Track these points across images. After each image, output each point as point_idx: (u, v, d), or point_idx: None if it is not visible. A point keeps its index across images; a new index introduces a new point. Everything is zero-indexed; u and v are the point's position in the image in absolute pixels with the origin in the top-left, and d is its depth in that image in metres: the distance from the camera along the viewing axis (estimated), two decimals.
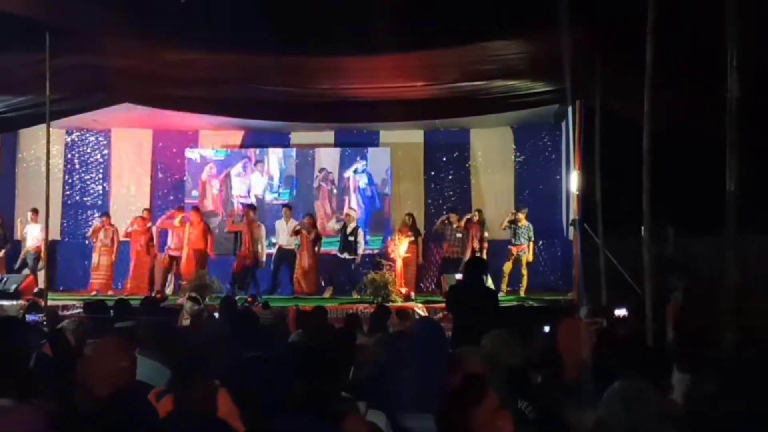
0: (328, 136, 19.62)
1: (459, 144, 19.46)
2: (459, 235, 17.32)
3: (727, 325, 6.69)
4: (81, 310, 12.82)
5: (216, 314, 10.66)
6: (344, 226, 17.59)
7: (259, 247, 16.69)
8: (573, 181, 14.91)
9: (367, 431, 4.41)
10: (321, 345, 5.87)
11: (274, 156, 19.48)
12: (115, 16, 11.54)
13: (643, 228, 9.32)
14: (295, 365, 4.49)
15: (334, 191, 19.21)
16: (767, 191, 10.89)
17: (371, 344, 6.78)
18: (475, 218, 17.49)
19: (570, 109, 15.23)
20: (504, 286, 16.82)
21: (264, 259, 16.96)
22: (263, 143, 19.73)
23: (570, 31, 9.50)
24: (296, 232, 17.35)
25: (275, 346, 6.76)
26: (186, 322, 10.48)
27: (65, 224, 19.72)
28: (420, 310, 14.54)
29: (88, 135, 19.86)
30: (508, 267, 17.08)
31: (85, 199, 19.91)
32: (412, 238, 17.25)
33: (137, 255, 17.47)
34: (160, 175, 19.93)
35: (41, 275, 16.07)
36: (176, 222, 17.27)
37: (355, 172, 19.16)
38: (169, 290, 17.26)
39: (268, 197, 19.27)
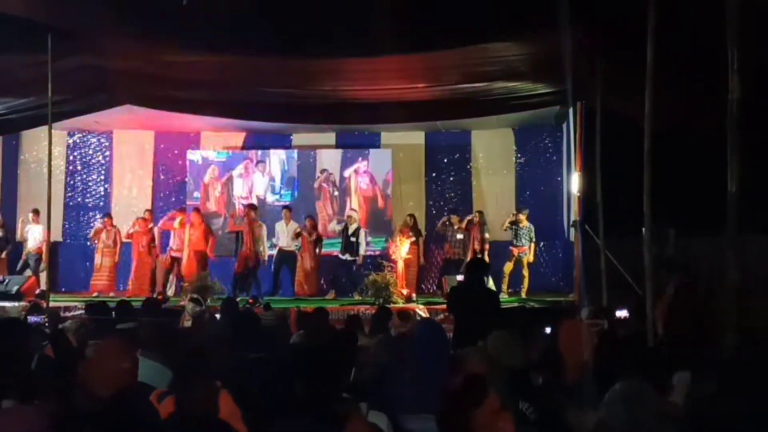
0: (330, 137, 19.63)
1: (460, 145, 19.47)
2: (460, 236, 17.32)
3: (728, 326, 6.70)
4: (83, 311, 12.84)
5: (217, 315, 10.67)
6: (346, 228, 17.59)
7: (261, 246, 16.73)
8: (574, 183, 14.92)
9: None
10: (322, 346, 5.87)
11: (276, 157, 19.49)
12: (117, 17, 11.56)
13: (643, 229, 9.33)
14: (297, 366, 4.50)
15: (336, 192, 19.22)
16: None
17: (372, 345, 6.79)
18: (476, 219, 17.49)
19: (571, 110, 15.25)
20: (505, 287, 16.82)
21: (266, 258, 17.01)
22: (265, 145, 19.74)
23: (571, 33, 9.52)
24: (297, 235, 17.36)
25: (276, 347, 6.77)
26: (187, 323, 10.48)
27: (67, 226, 19.73)
28: (421, 311, 14.53)
29: (89, 136, 19.87)
30: (508, 268, 17.07)
31: (86, 200, 19.93)
32: (414, 240, 17.24)
33: (139, 256, 17.48)
34: (162, 177, 19.94)
35: (43, 276, 16.09)
36: (176, 224, 17.27)
37: (356, 172, 19.15)
38: (170, 291, 17.26)
39: (270, 198, 19.28)
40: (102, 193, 19.92)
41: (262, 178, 19.34)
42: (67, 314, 13.35)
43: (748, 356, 4.50)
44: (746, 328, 6.59)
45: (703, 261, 11.55)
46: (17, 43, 12.31)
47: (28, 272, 17.04)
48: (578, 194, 14.74)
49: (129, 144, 19.90)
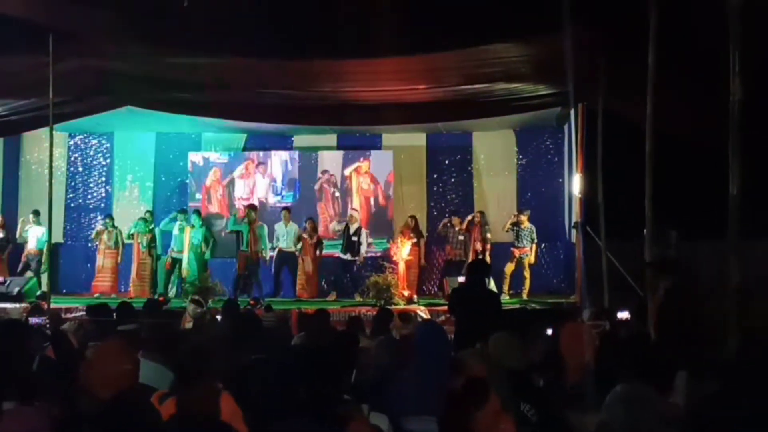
0: (331, 139, 19.63)
1: (461, 147, 19.45)
2: (461, 237, 17.30)
3: (730, 327, 6.69)
4: (84, 312, 12.83)
5: (219, 317, 10.65)
6: (347, 227, 17.60)
7: (262, 245, 16.79)
8: (575, 184, 14.91)
9: None
10: (323, 347, 5.87)
11: (277, 159, 19.48)
12: (118, 19, 11.57)
13: (645, 231, 9.33)
14: (298, 368, 4.50)
15: (337, 194, 19.21)
16: None
17: (374, 347, 6.79)
18: (477, 219, 17.48)
19: (572, 111, 15.24)
20: (506, 289, 16.81)
21: (268, 256, 17.09)
22: (266, 146, 19.73)
23: (572, 34, 9.53)
24: (299, 239, 17.39)
25: (277, 348, 6.76)
26: (189, 324, 10.47)
27: (68, 227, 19.73)
28: (422, 312, 14.52)
29: (90, 138, 19.86)
30: (510, 269, 17.06)
31: (87, 201, 19.92)
32: (415, 241, 17.23)
33: (139, 257, 17.48)
34: (163, 178, 19.92)
35: (44, 278, 16.09)
36: (175, 230, 17.31)
37: (357, 172, 19.14)
38: (171, 293, 17.26)
39: (271, 200, 19.27)
40: (103, 194, 19.92)
41: (263, 180, 19.33)
42: (69, 316, 13.35)
43: (749, 358, 4.49)
44: (748, 330, 6.59)
45: (705, 263, 11.56)
46: (18, 44, 12.31)
47: (29, 273, 17.05)
48: (579, 196, 14.73)
49: (130, 145, 19.90)
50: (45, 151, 15.23)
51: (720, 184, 7.15)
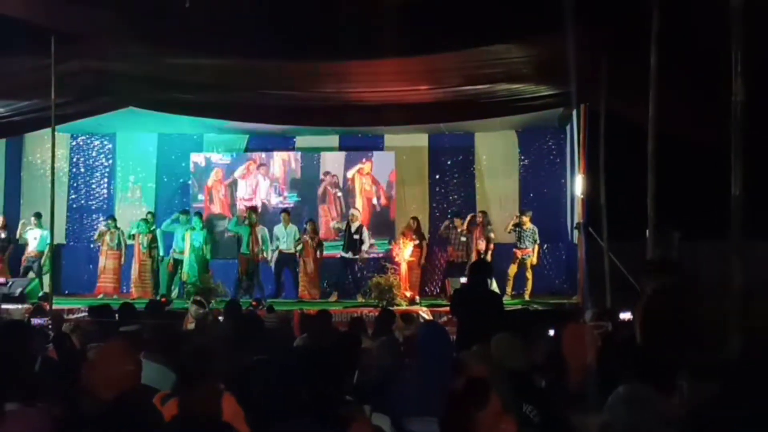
0: (333, 139, 19.62)
1: (463, 147, 19.44)
2: (463, 239, 17.30)
3: (732, 328, 6.69)
4: (85, 313, 12.84)
5: (221, 318, 10.65)
6: (348, 226, 17.63)
7: (263, 247, 16.83)
8: (578, 185, 14.91)
9: None
10: (325, 348, 5.87)
11: (279, 160, 19.47)
12: (120, 20, 11.58)
13: (647, 231, 9.33)
14: (300, 369, 4.50)
15: (339, 194, 19.21)
16: None
17: (376, 348, 6.80)
18: (479, 219, 17.49)
19: (575, 112, 15.24)
20: (509, 290, 16.82)
21: (269, 257, 17.12)
22: (268, 147, 19.73)
23: (574, 35, 9.52)
24: (299, 240, 17.42)
25: (280, 349, 6.76)
26: (191, 325, 10.48)
27: (70, 228, 19.74)
28: (425, 313, 14.53)
29: (93, 139, 19.86)
30: (513, 270, 17.08)
31: (90, 202, 19.92)
32: (417, 242, 17.23)
33: (140, 258, 17.49)
34: (165, 179, 19.92)
35: (46, 279, 16.10)
36: (178, 232, 17.34)
37: (360, 173, 19.14)
38: (173, 294, 17.26)
39: (274, 201, 19.27)
40: (105, 195, 19.91)
41: (265, 181, 19.33)
42: (71, 317, 13.36)
43: (751, 358, 4.48)
44: (749, 330, 6.58)
45: (706, 263, 11.55)
46: (20, 46, 12.32)
47: (31, 275, 17.06)
48: (582, 196, 14.74)
49: (132, 146, 19.90)
50: (47, 152, 15.27)
51: (722, 184, 7.15)
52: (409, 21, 11.04)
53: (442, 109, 16.02)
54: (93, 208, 19.89)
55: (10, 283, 15.95)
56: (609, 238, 13.32)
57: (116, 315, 9.93)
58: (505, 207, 18.76)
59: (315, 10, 11.24)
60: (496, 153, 19.43)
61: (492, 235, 17.32)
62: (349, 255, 17.44)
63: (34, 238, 17.41)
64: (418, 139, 19.39)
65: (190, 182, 19.48)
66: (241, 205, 18.95)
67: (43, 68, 12.63)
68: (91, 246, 18.85)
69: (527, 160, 19.22)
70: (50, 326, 10.53)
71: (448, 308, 12.50)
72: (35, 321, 11.56)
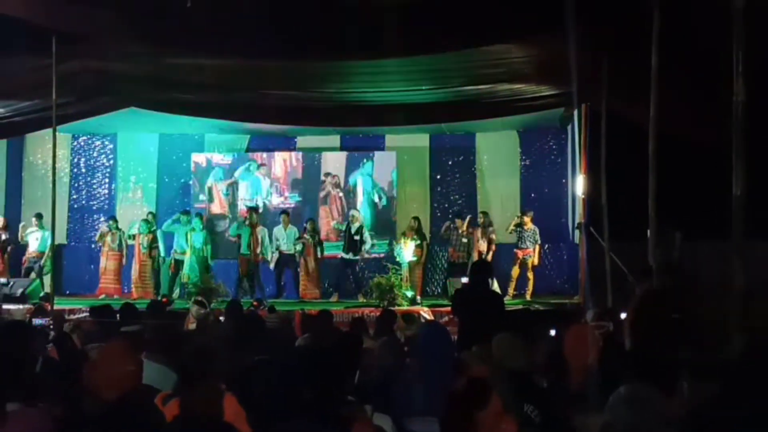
0: (334, 139, 19.63)
1: (465, 147, 19.45)
2: (465, 240, 17.31)
3: (733, 329, 6.69)
4: (87, 314, 12.84)
5: (222, 318, 10.65)
6: (348, 227, 17.63)
7: (264, 247, 16.85)
8: (579, 185, 14.90)
9: None
10: (327, 348, 5.87)
11: (280, 160, 19.48)
12: (121, 20, 11.58)
13: (648, 231, 9.33)
14: (301, 369, 4.50)
15: (340, 194, 19.22)
16: None
17: (377, 348, 6.80)
18: (480, 220, 17.50)
19: (576, 112, 15.23)
20: (511, 290, 16.83)
21: (270, 257, 17.13)
22: (269, 147, 19.74)
23: (575, 35, 9.52)
24: (299, 240, 17.44)
25: (281, 350, 6.76)
26: (192, 326, 10.48)
27: (71, 228, 19.75)
28: (426, 313, 14.53)
29: (94, 139, 19.88)
30: (515, 271, 17.09)
31: (91, 203, 19.94)
32: (418, 242, 17.24)
33: (140, 259, 17.50)
34: (166, 179, 19.94)
35: (47, 279, 16.10)
36: (179, 233, 17.36)
37: (360, 175, 19.15)
38: (175, 294, 17.27)
39: (275, 201, 19.28)
40: (106, 195, 19.93)
41: (267, 181, 19.34)
42: (72, 317, 13.37)
43: (751, 359, 4.48)
44: (749, 331, 6.58)
45: (706, 264, 11.55)
46: (21, 46, 12.32)
47: (32, 275, 17.07)
48: (583, 196, 14.73)
49: (133, 146, 19.91)
50: (48, 153, 15.28)
51: (722, 184, 7.15)
52: (411, 21, 11.05)
53: (444, 109, 16.04)
54: (94, 208, 19.91)
55: (12, 283, 15.96)
56: (610, 238, 13.31)
57: (117, 315, 9.92)
58: (507, 207, 18.77)
59: (316, 10, 11.23)
60: (497, 153, 19.43)
61: (493, 236, 17.33)
62: (350, 256, 17.45)
63: (35, 238, 17.42)
64: (419, 139, 19.40)
65: (191, 182, 19.49)
66: (242, 206, 18.95)
67: (44, 68, 12.63)
68: (92, 246, 18.87)
69: (528, 160, 19.22)
70: (51, 326, 10.54)
71: (449, 308, 12.50)
72: (36, 321, 11.58)
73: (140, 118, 17.13)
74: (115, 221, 17.85)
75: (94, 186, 19.96)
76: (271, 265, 17.46)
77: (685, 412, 4.31)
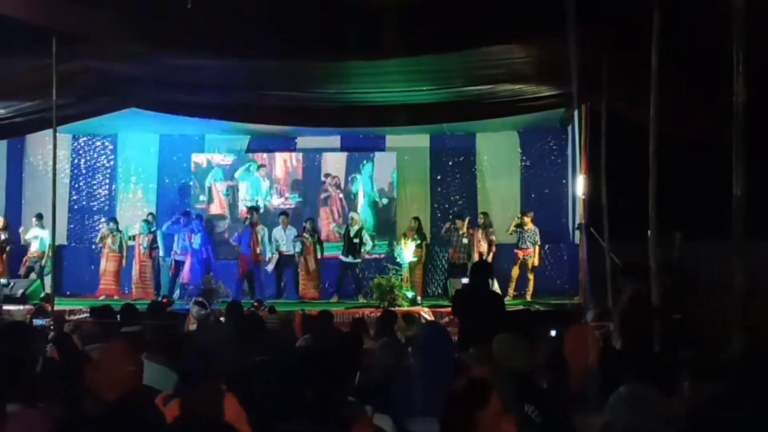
0: (335, 140, 19.64)
1: (465, 148, 19.46)
2: (465, 240, 17.32)
3: (733, 329, 6.69)
4: (87, 314, 12.84)
5: (222, 319, 10.66)
6: (347, 230, 17.64)
7: (263, 245, 16.85)
8: (579, 185, 14.90)
9: None
10: (327, 349, 5.88)
11: (281, 160, 19.49)
12: (121, 20, 11.57)
13: (649, 231, 9.32)
14: (302, 370, 4.50)
15: (341, 195, 19.23)
16: None
17: (377, 348, 6.80)
18: (480, 221, 17.51)
19: (576, 113, 15.23)
20: (511, 291, 16.84)
21: (270, 257, 17.16)
22: (269, 147, 19.75)
23: (576, 35, 9.51)
24: (301, 242, 17.44)
25: (281, 350, 6.77)
26: (192, 326, 10.49)
27: (71, 229, 19.75)
28: (426, 314, 14.54)
29: (94, 139, 19.90)
30: (515, 272, 17.11)
31: (91, 203, 19.95)
32: (418, 242, 17.26)
33: (141, 260, 17.51)
34: (167, 180, 19.95)
35: (48, 280, 16.11)
36: (180, 234, 17.39)
37: (361, 176, 19.16)
38: (175, 295, 17.27)
39: (275, 202, 19.28)
40: (106, 196, 19.95)
41: (267, 181, 19.35)
42: (72, 318, 13.38)
43: (751, 360, 4.49)
44: (749, 331, 6.58)
45: (707, 264, 11.55)
46: (21, 46, 12.31)
47: (33, 276, 17.08)
48: (583, 197, 14.72)
49: (134, 147, 19.92)
50: (48, 153, 15.26)
51: (723, 184, 7.14)
52: (411, 21, 11.03)
53: (444, 109, 16.04)
54: (94, 209, 19.93)
55: (12, 283, 15.97)
56: (610, 238, 13.30)
57: (118, 316, 9.92)
58: (507, 207, 18.78)
59: (316, 10, 11.22)
60: (497, 153, 19.44)
61: (493, 236, 17.35)
62: (349, 259, 17.45)
63: (35, 237, 17.43)
64: (419, 140, 19.41)
65: (191, 183, 19.49)
66: (242, 207, 18.97)
67: (45, 69, 12.62)
68: (93, 247, 18.88)
69: (529, 160, 19.24)
70: (52, 327, 10.54)
71: (449, 309, 12.50)
72: (37, 322, 11.58)
73: (140, 118, 17.14)
74: (116, 223, 17.88)
75: (95, 186, 19.97)
76: (270, 266, 17.46)
77: (685, 412, 4.31)
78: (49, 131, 13.96)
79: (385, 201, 19.08)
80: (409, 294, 15.93)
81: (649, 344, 7.96)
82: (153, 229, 17.77)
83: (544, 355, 6.21)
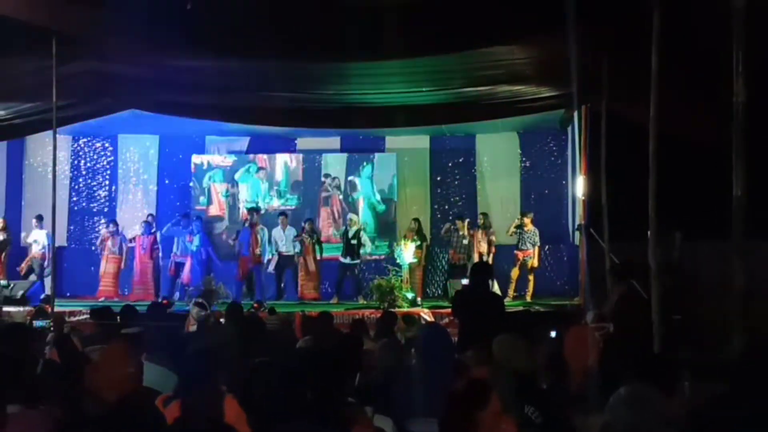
0: (335, 141, 19.64)
1: (465, 149, 19.46)
2: (465, 241, 17.32)
3: (733, 329, 6.69)
4: (87, 316, 12.84)
5: (222, 320, 10.65)
6: (346, 231, 17.64)
7: (264, 248, 16.85)
8: (579, 186, 14.89)
9: None
10: (327, 350, 5.88)
11: (281, 161, 19.49)
12: (121, 22, 11.57)
13: (648, 232, 9.31)
14: (302, 371, 4.51)
15: (340, 196, 19.23)
16: None
17: (377, 349, 6.80)
18: (480, 222, 17.52)
19: (576, 113, 15.23)
20: (510, 292, 16.84)
21: (269, 258, 17.17)
22: (269, 148, 19.75)
23: (575, 36, 9.51)
24: (300, 242, 17.45)
25: (281, 351, 6.77)
26: (192, 327, 10.48)
27: (71, 230, 19.76)
28: (426, 315, 14.53)
29: (94, 141, 19.90)
30: (515, 273, 17.11)
31: (91, 205, 19.95)
32: (418, 243, 17.25)
33: (142, 261, 17.52)
34: (167, 181, 19.95)
35: (48, 281, 16.12)
36: (180, 235, 17.41)
37: (361, 177, 19.16)
38: (175, 296, 17.28)
39: (275, 203, 19.28)
40: (106, 197, 19.95)
41: (267, 183, 19.35)
42: (72, 319, 13.37)
43: (752, 360, 4.49)
44: (750, 331, 6.58)
45: (706, 264, 11.54)
46: (21, 47, 12.31)
47: (33, 277, 17.09)
48: (583, 198, 14.71)
49: (133, 148, 19.93)
50: (49, 155, 15.25)
51: (723, 185, 7.14)
52: (411, 22, 11.03)
53: (444, 110, 16.03)
54: (94, 210, 19.93)
55: (12, 285, 15.97)
56: (610, 239, 13.29)
57: (118, 317, 9.92)
58: (507, 208, 18.77)
59: (316, 11, 11.22)
60: (497, 154, 19.44)
61: (493, 237, 17.35)
62: (348, 261, 17.45)
63: (35, 242, 17.44)
64: (419, 141, 19.41)
65: (191, 184, 19.49)
66: (242, 208, 18.96)
67: (45, 70, 12.61)
68: (92, 248, 18.88)
69: (528, 161, 19.24)
70: (52, 328, 10.54)
71: (449, 310, 12.50)
72: (37, 323, 11.58)
73: (140, 119, 17.14)
74: (116, 225, 17.88)
75: (95, 188, 19.97)
76: (270, 268, 17.47)
77: (685, 412, 4.31)
78: (49, 132, 13.95)
79: (385, 202, 19.07)
80: (409, 295, 15.92)
81: (648, 343, 7.96)
82: (153, 230, 17.77)
83: (544, 355, 6.21)
